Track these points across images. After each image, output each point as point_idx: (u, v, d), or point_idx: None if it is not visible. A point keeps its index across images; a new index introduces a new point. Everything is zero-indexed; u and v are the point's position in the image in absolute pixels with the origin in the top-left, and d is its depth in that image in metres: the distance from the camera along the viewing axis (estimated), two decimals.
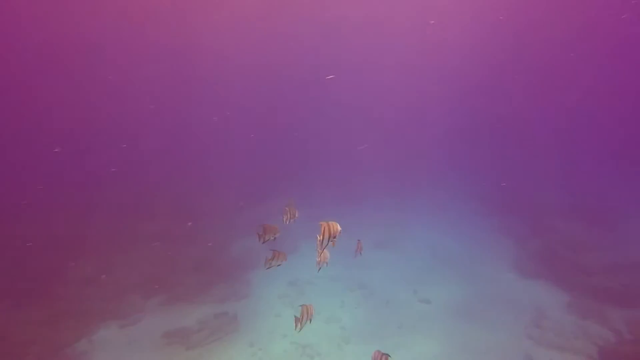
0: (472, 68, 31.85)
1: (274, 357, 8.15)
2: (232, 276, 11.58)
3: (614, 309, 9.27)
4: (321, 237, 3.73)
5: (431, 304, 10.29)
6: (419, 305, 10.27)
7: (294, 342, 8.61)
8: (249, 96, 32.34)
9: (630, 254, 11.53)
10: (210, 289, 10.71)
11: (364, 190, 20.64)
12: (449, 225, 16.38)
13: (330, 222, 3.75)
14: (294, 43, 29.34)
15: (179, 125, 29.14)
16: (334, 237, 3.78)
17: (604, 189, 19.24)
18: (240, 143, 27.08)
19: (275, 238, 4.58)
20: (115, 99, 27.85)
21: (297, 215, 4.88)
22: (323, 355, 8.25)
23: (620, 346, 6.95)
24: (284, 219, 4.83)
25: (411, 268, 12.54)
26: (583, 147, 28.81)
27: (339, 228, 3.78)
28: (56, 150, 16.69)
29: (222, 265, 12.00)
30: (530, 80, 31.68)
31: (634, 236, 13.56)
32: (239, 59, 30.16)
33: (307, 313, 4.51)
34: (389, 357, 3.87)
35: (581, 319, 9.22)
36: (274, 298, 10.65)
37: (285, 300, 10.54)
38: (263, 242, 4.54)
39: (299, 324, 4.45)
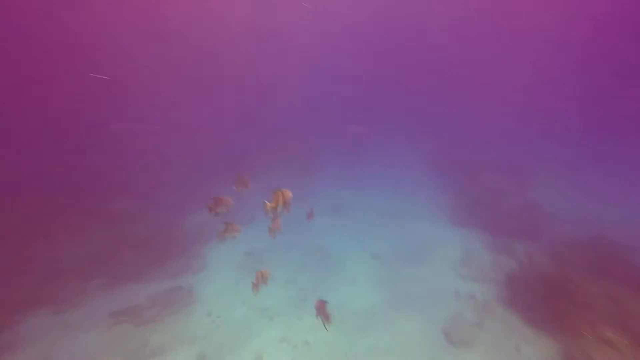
0: (412, 29, 32.33)
1: (233, 322, 8.36)
2: (185, 251, 11.19)
3: (519, 243, 11.29)
4: (274, 204, 3.76)
5: (381, 259, 11.33)
6: (370, 261, 11.24)
7: (253, 307, 8.88)
8: (203, 69, 29.18)
9: (532, 198, 13.88)
10: (160, 266, 10.26)
11: (318, 161, 20.94)
12: (397, 187, 17.77)
13: (283, 190, 3.78)
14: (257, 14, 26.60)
15: (125, 96, 25.39)
16: (288, 204, 3.83)
17: (521, 145, 22.38)
18: (194, 116, 24.83)
19: (227, 211, 4.49)
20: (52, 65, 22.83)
21: (248, 185, 4.81)
22: (282, 314, 8.70)
23: (520, 272, 8.63)
24: (235, 188, 4.74)
25: (363, 229, 13.49)
26: (510, 109, 32.50)
27: (291, 195, 3.84)
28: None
29: (173, 241, 11.46)
30: (465, 43, 33.65)
31: (536, 184, 16.35)
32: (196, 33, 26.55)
33: (262, 277, 4.69)
34: (327, 303, 4.33)
35: (496, 254, 11.10)
36: (231, 268, 10.66)
37: (244, 270, 10.62)
38: (215, 215, 4.44)
39: (256, 288, 4.63)
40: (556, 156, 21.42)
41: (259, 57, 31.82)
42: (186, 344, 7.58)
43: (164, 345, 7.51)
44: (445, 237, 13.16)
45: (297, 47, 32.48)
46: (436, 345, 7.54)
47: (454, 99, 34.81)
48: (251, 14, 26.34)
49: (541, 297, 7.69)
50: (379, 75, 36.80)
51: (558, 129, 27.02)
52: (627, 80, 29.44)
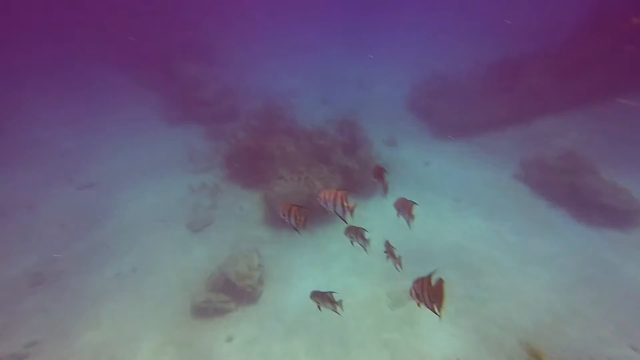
0: None
1: None
2: None
3: (225, 125, 13.09)
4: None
5: None
6: None
7: None
8: None
9: (226, 81, 15.51)
10: None
11: None
12: None
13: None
14: None
15: None
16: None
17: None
18: None
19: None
20: None
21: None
22: None
23: (231, 150, 10.38)
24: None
25: None
26: None
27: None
28: None
29: None
30: None
31: (230, 67, 18.19)
32: None
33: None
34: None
35: (214, 141, 12.42)
36: None
37: None
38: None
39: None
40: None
41: None
42: None
43: None
44: (167, 136, 12.81)
45: None
46: (184, 238, 8.35)
47: None
48: None
49: (248, 164, 9.95)
50: None
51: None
52: None
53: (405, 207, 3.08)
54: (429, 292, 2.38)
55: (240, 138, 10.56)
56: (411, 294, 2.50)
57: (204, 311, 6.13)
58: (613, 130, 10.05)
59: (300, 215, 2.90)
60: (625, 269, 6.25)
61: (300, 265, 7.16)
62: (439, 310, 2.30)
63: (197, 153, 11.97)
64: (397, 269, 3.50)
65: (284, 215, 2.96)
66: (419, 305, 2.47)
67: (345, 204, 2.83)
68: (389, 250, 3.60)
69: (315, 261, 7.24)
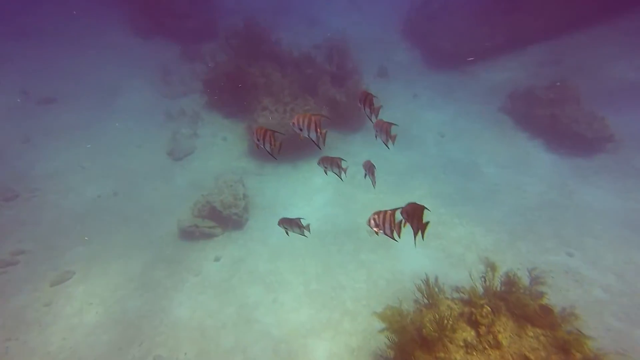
0: None
1: None
2: None
3: (205, 43, 11.72)
4: None
5: None
6: None
7: None
8: None
9: None
10: None
11: None
12: None
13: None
14: None
15: None
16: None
17: None
18: None
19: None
20: None
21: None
22: None
23: (210, 74, 9.49)
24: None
25: None
26: None
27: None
28: None
29: None
30: None
31: None
32: None
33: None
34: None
35: (189, 62, 11.24)
36: None
37: None
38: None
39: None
40: None
41: None
42: None
43: None
44: (138, 50, 11.47)
45: None
46: (165, 166, 8.20)
47: None
48: None
49: (229, 91, 9.24)
50: None
51: None
52: None
53: (383, 128, 3.10)
54: (392, 222, 2.51)
55: (220, 61, 9.57)
56: (369, 224, 2.59)
57: (191, 234, 6.39)
58: (610, 52, 9.79)
59: (275, 140, 2.86)
60: (580, 192, 6.94)
61: (285, 196, 7.35)
62: (414, 236, 2.39)
63: (173, 75, 10.94)
64: (372, 185, 3.71)
65: (258, 140, 2.90)
66: (377, 233, 2.59)
67: (319, 130, 2.78)
68: (369, 168, 3.73)
69: (300, 192, 7.43)
